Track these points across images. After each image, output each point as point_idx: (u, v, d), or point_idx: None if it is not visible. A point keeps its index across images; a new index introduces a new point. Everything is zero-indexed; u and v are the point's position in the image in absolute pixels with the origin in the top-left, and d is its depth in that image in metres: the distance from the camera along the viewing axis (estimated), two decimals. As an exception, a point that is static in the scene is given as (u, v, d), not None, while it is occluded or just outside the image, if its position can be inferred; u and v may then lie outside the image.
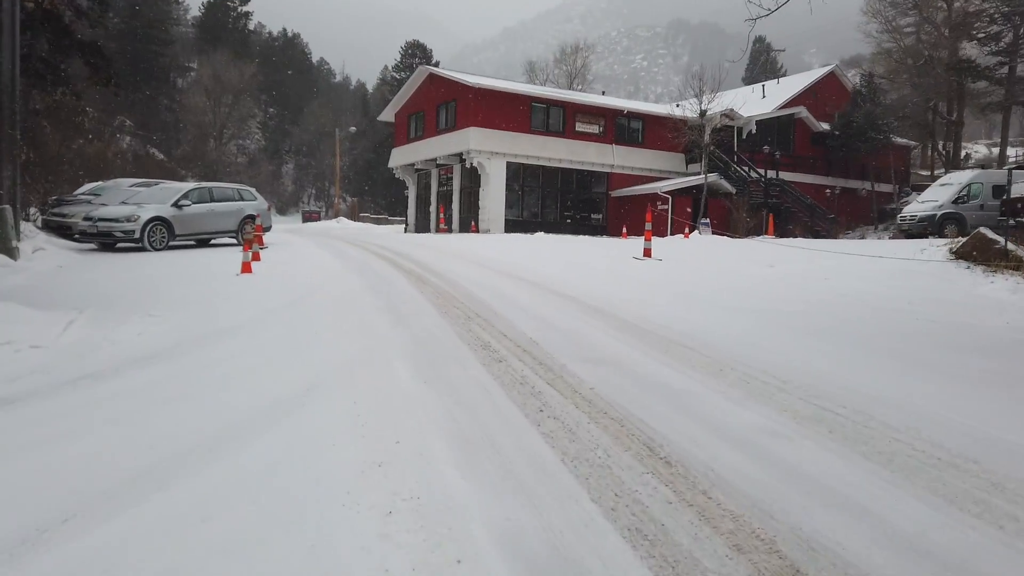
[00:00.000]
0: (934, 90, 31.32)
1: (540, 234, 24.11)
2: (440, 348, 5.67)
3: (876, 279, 10.54)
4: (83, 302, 7.30)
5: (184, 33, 70.07)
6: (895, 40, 34.28)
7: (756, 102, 35.39)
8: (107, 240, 14.25)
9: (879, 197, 35.21)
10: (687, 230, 21.29)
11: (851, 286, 9.94)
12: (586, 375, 4.93)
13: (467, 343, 5.88)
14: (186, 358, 5.33)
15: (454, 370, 5.01)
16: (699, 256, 14.39)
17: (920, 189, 36.50)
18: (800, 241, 19.26)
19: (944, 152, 36.09)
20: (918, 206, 21.94)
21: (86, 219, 14.30)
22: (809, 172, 33.92)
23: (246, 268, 10.22)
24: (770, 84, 39.76)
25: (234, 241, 16.44)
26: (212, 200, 15.79)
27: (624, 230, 21.59)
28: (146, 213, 14.17)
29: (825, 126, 34.76)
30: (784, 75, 53.49)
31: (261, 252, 13.23)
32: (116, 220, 13.93)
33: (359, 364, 5.10)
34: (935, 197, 21.62)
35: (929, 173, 40.35)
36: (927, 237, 21.90)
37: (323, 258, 13.41)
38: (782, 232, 27.74)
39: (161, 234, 14.38)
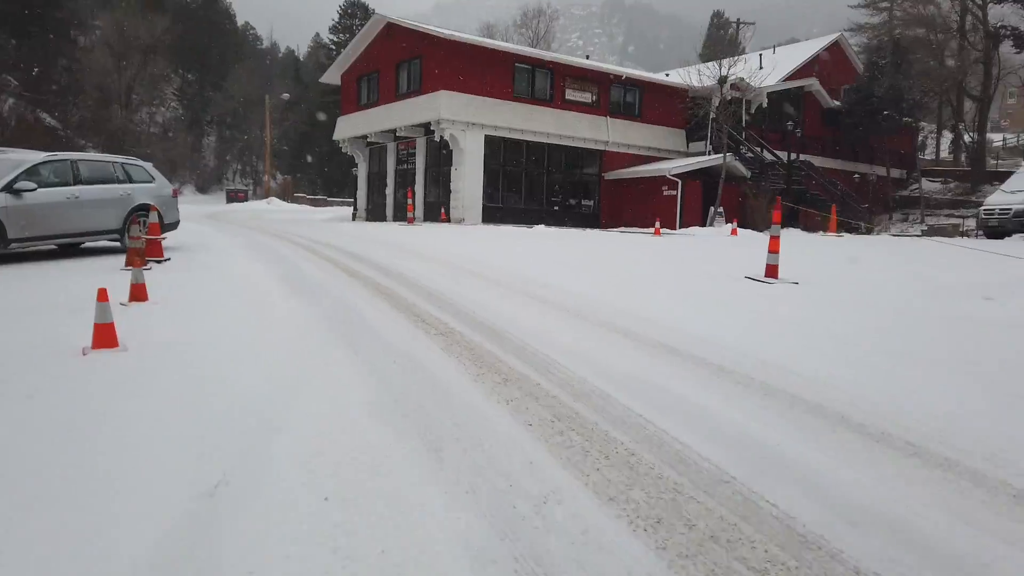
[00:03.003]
0: (964, 61, 27.61)
1: (541, 227, 19.03)
2: None
3: None
4: None
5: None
6: (917, 6, 30.54)
7: (756, 74, 31.08)
8: None
9: (890, 184, 31.63)
10: (735, 225, 16.64)
11: None
12: None
13: None
14: None
15: None
16: (835, 273, 9.65)
17: (929, 175, 33.12)
18: (929, 240, 14.79)
19: (967, 133, 32.75)
20: (1007, 197, 17.97)
21: None
22: (819, 154, 29.89)
23: (105, 338, 4.77)
24: (767, 54, 35.50)
25: (118, 245, 10.70)
26: (78, 181, 9.84)
27: (657, 225, 16.73)
28: (-49, 204, 8.31)
29: (835, 102, 30.82)
30: (743, 52, 49.58)
31: (155, 274, 7.80)
32: None
33: None
34: (1032, 187, 17.69)
35: (934, 158, 37.16)
36: (1011, 235, 18.08)
37: (266, 288, 7.86)
38: (810, 224, 23.63)
39: (-19, 239, 8.58)
